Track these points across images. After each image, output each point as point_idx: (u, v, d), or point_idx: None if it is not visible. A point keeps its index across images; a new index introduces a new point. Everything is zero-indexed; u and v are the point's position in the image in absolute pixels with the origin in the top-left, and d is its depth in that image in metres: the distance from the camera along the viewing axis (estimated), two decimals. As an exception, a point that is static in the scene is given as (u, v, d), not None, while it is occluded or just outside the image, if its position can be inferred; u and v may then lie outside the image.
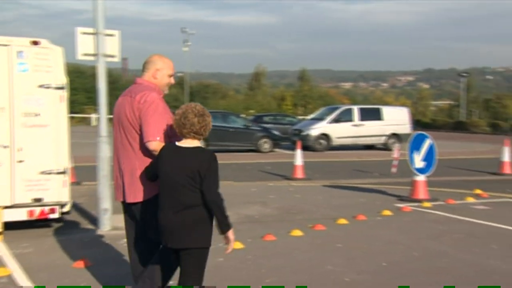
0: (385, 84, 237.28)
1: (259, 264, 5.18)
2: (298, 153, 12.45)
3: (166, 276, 3.48)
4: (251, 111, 46.38)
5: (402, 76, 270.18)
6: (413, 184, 9.07)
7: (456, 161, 16.60)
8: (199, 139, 3.23)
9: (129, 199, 3.53)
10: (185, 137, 3.22)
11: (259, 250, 5.73)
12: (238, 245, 5.52)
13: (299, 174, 12.28)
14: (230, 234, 3.14)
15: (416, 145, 9.04)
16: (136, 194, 3.49)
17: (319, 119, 22.37)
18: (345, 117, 21.53)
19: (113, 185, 3.76)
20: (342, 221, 7.23)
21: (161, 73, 3.67)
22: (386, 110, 22.44)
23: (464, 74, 53.05)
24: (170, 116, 3.49)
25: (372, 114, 21.86)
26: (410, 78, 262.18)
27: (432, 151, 8.99)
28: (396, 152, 13.32)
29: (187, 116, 3.16)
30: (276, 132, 21.22)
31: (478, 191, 9.92)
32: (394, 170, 12.66)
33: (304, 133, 21.17)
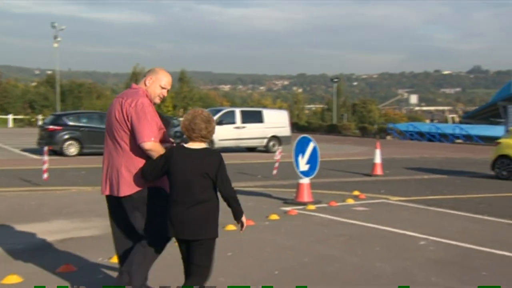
0: (262, 88, 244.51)
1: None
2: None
3: (146, 269, 3.80)
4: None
5: (278, 80, 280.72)
6: (298, 187, 9.16)
7: (332, 163, 17.33)
8: (205, 142, 3.61)
9: (115, 193, 3.80)
10: (193, 141, 3.58)
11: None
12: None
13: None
14: (244, 218, 3.65)
15: (300, 148, 9.15)
16: (122, 189, 3.76)
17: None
18: (227, 119, 21.50)
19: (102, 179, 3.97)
20: (231, 227, 7.00)
21: (150, 81, 3.94)
22: (266, 113, 22.85)
23: (335, 80, 56.25)
24: (158, 121, 3.81)
25: (253, 117, 22.12)
26: (285, 82, 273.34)
27: (316, 154, 9.17)
28: (278, 154, 13.52)
29: (196, 121, 3.53)
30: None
31: (357, 193, 10.34)
32: (275, 172, 12.83)
33: (185, 136, 20.75)
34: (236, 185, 12.15)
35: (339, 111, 61.05)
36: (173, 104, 57.04)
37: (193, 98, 57.84)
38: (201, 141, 3.58)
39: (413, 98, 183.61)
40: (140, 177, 3.73)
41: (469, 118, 68.62)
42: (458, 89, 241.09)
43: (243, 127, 21.55)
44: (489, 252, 5.92)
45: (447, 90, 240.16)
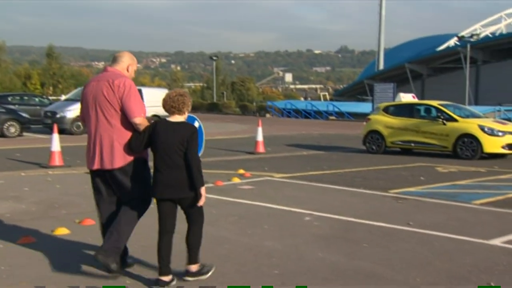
0: (139, 65, 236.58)
1: (16, 276, 4.28)
2: (55, 137, 11.15)
3: (129, 232, 4.30)
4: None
5: (155, 57, 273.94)
6: (182, 167, 8.96)
7: (215, 142, 17.31)
8: (180, 115, 4.13)
9: (108, 166, 4.21)
10: (170, 113, 4.13)
11: (15, 257, 4.77)
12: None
13: (57, 161, 11.04)
14: (202, 190, 4.05)
15: (185, 128, 8.92)
16: (116, 161, 4.19)
17: (75, 100, 20.73)
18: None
19: (87, 154, 4.33)
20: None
21: (131, 68, 4.47)
22: (146, 92, 21.97)
23: (214, 58, 56.22)
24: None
25: (132, 96, 21.27)
26: (163, 60, 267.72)
27: (201, 133, 9.00)
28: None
29: (170, 95, 4.15)
30: (24, 114, 18.95)
31: (242, 171, 10.41)
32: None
33: (59, 116, 19.39)
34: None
35: (218, 90, 61.32)
36: (41, 82, 52.98)
37: (63, 76, 54.18)
38: (178, 114, 4.14)
39: (288, 77, 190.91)
40: (129, 149, 4.19)
41: (339, 95, 73.18)
42: (328, 68, 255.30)
43: (121, 106, 20.64)
44: (368, 224, 6.27)
45: (319, 69, 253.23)
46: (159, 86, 73.36)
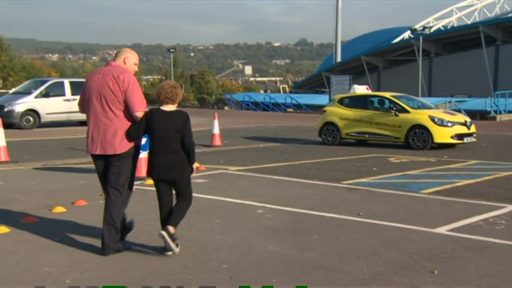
0: (95, 57, 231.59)
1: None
2: (0, 132, 10.72)
3: (123, 211, 4.89)
4: None
5: (112, 49, 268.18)
6: (134, 162, 8.77)
7: (171, 135, 17.05)
8: (173, 104, 4.66)
9: (110, 152, 4.70)
10: (164, 103, 4.65)
11: (-48, 261, 4.53)
12: None
13: (2, 156, 10.62)
14: (194, 165, 4.85)
15: (136, 122, 8.74)
16: (118, 148, 4.69)
17: (25, 93, 20.07)
18: (55, 91, 19.81)
19: (89, 140, 4.79)
20: (59, 209, 6.44)
21: (128, 60, 4.88)
22: (68, 83, 20.98)
23: (172, 50, 55.38)
24: None
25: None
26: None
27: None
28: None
29: (164, 87, 4.66)
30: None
31: (197, 164, 10.25)
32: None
33: (7, 109, 18.71)
34: (66, 162, 11.34)
35: (177, 82, 60.44)
36: (-10, 75, 50.90)
37: (14, 68, 52.20)
38: (171, 103, 4.68)
39: (248, 69, 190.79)
40: (128, 137, 4.72)
41: (298, 88, 73.70)
42: (287, 61, 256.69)
43: (74, 100, 20.04)
44: (320, 215, 6.30)
45: (278, 62, 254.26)
46: (115, 79, 71.72)
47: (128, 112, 4.69)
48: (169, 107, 4.66)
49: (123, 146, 4.71)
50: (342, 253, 4.82)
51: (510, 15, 57.94)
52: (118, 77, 4.65)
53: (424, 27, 37.33)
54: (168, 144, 4.56)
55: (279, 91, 70.63)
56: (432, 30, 45.94)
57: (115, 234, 4.71)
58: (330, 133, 15.19)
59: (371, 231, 5.57)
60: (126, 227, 5.05)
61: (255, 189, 7.99)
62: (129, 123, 4.71)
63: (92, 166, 5.21)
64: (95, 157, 4.84)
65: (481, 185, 8.30)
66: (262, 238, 5.34)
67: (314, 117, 25.24)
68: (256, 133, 18.72)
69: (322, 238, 5.34)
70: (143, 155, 8.68)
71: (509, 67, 47.45)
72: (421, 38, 34.69)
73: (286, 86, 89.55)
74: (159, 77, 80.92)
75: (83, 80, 23.60)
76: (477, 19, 62.24)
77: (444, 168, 10.33)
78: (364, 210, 6.50)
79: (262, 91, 72.04)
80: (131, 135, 4.70)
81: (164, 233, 4.59)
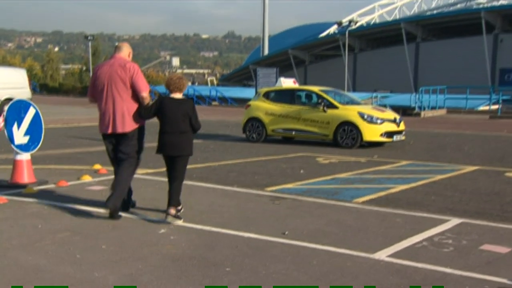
0: (10, 44, 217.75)
1: None
2: None
3: (130, 180, 5.79)
4: None
5: (30, 36, 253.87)
6: (14, 165, 7.20)
7: (80, 130, 15.30)
8: (180, 93, 5.64)
9: (120, 130, 5.63)
10: (173, 92, 5.61)
11: None
12: None
13: None
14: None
15: (16, 116, 7.17)
16: (127, 127, 5.64)
17: None
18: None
19: (101, 122, 5.71)
20: None
21: (130, 54, 5.95)
22: (0, 73, 19.38)
23: (90, 38, 51.98)
24: None
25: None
26: (39, 40, 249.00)
27: (39, 122, 7.31)
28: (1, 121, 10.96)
29: (172, 78, 5.66)
30: None
31: (98, 166, 8.82)
32: None
33: None
34: None
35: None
36: None
37: None
38: (178, 92, 5.60)
39: (176, 61, 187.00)
40: (138, 117, 5.67)
41: (225, 80, 72.40)
42: (215, 53, 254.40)
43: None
44: (236, 235, 5.13)
45: (206, 54, 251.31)
46: (30, 67, 67.08)
47: (133, 96, 5.62)
48: (177, 95, 5.60)
49: (130, 125, 5.62)
50: (260, 296, 3.66)
51: (428, 13, 59.91)
52: (124, 65, 5.62)
53: (350, 21, 37.30)
54: (178, 126, 5.46)
55: (207, 84, 68.87)
56: (356, 25, 46.21)
57: (119, 197, 5.50)
58: (255, 129, 14.10)
59: (298, 259, 4.47)
60: (130, 201, 5.87)
61: (163, 200, 6.63)
62: (135, 105, 5.64)
63: None
64: (107, 136, 5.74)
65: (418, 192, 7.49)
66: (158, 273, 4.07)
67: (239, 111, 24.14)
68: (176, 128, 17.28)
69: (237, 271, 4.16)
70: (24, 157, 7.15)
71: (428, 64, 48.83)
72: (346, 32, 34.55)
73: (214, 78, 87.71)
74: (80, 66, 76.58)
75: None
76: (397, 17, 63.81)
77: (376, 170, 9.51)
78: (290, 227, 5.41)
79: (189, 83, 70.09)
80: (143, 115, 5.65)
81: (169, 219, 5.41)
